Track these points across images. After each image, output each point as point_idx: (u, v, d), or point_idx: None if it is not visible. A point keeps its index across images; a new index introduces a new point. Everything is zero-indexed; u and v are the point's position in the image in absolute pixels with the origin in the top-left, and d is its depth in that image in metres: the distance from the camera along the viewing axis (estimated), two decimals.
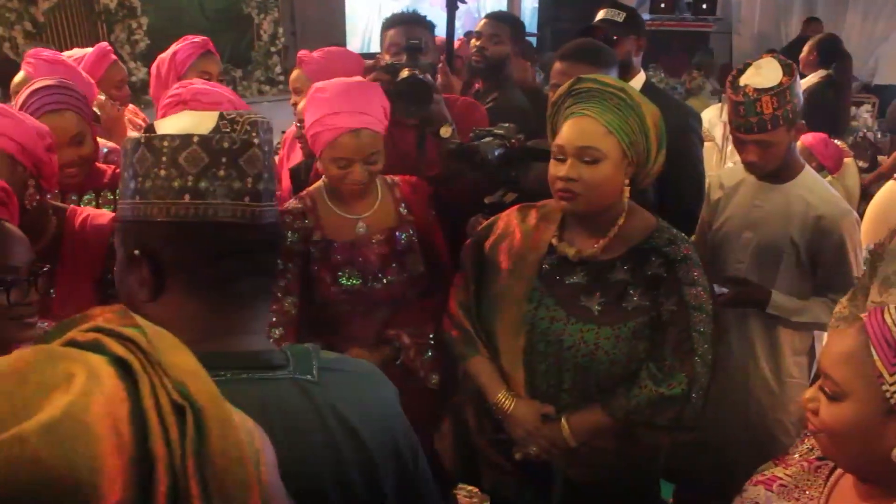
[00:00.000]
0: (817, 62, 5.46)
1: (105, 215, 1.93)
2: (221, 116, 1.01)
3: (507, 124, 2.12)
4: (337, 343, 2.03)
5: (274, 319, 1.99)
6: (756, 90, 2.07)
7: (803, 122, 2.21)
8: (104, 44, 3.16)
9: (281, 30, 8.48)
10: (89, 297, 1.81)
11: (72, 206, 1.92)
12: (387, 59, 2.51)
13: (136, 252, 1.00)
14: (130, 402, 0.56)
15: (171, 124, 1.02)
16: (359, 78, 2.06)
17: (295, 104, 2.77)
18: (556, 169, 1.78)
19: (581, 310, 1.81)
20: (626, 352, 1.78)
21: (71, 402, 0.53)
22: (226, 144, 0.98)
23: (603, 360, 1.78)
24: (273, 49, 8.37)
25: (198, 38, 2.93)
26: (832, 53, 5.53)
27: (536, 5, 11.30)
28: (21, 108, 2.04)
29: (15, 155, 1.73)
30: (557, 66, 2.38)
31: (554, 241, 1.88)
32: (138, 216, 1.00)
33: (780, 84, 2.06)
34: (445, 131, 2.13)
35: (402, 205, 2.13)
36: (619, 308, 1.78)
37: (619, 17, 2.77)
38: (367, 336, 2.09)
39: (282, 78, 8.48)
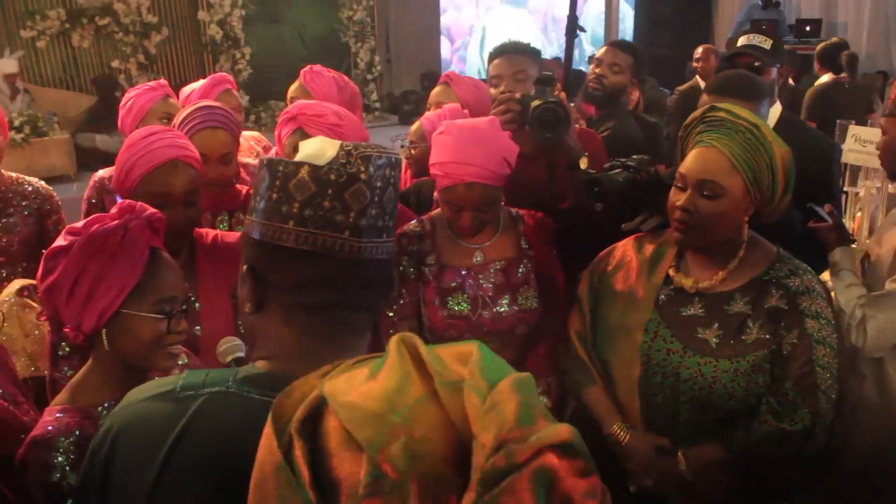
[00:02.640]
0: None
1: (232, 235, 2.00)
2: (342, 147, 1.01)
3: (640, 156, 2.09)
4: None
5: None
6: None
7: None
8: (221, 74, 3.28)
9: (377, 58, 8.66)
10: (227, 308, 1.90)
11: (197, 229, 2.00)
12: (491, 90, 2.50)
13: (245, 266, 1.03)
14: None
15: (303, 148, 1.04)
16: (490, 120, 2.02)
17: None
18: (675, 197, 1.74)
19: (698, 342, 1.75)
20: (744, 385, 1.71)
21: None
22: (333, 176, 0.98)
23: (721, 393, 1.72)
24: (369, 77, 8.55)
25: (154, 83, 2.93)
26: None
27: (632, 30, 11.22)
28: (181, 122, 2.20)
29: (199, 170, 1.92)
30: (704, 99, 2.28)
31: (671, 271, 1.84)
32: (251, 233, 1.03)
33: None
34: (584, 162, 2.09)
35: (524, 239, 2.12)
36: (737, 341, 1.72)
37: (766, 43, 2.63)
38: None
39: (378, 105, 8.65)
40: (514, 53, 2.50)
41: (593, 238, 2.15)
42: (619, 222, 2.07)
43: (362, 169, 0.99)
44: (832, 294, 2.15)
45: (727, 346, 1.72)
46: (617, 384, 1.87)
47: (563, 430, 0.63)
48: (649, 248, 1.91)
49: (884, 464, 2.14)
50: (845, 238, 2.18)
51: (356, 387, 0.68)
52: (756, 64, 2.58)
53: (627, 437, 1.83)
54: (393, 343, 0.72)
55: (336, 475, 0.66)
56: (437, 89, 3.03)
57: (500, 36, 9.79)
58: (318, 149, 1.02)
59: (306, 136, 2.01)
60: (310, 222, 0.98)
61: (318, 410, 0.70)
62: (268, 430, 0.73)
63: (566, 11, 2.94)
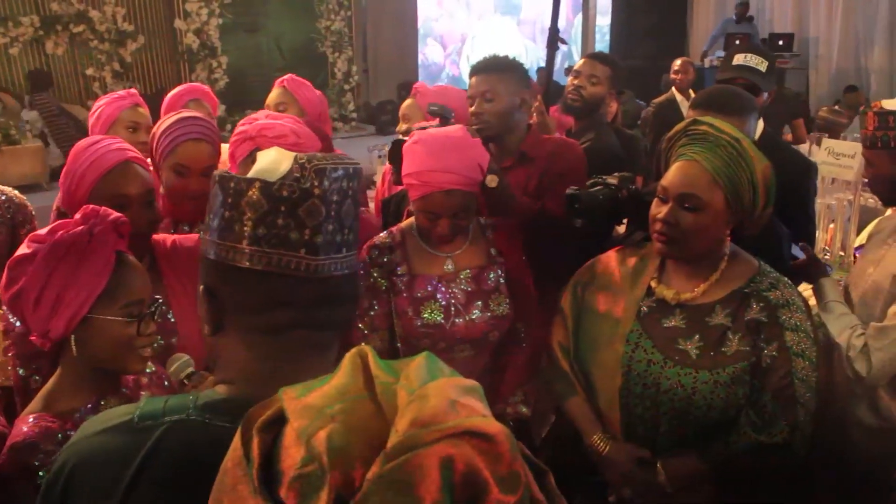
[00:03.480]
0: None
1: (190, 238, 1.96)
2: (296, 160, 0.97)
3: (622, 173, 2.08)
4: None
5: None
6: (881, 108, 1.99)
7: None
8: (196, 85, 3.26)
9: (354, 68, 8.68)
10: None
11: (154, 235, 1.94)
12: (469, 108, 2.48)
13: (202, 287, 0.99)
14: None
15: (259, 160, 1.00)
16: (460, 129, 2.02)
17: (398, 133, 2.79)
18: (656, 209, 1.74)
19: (679, 353, 1.75)
20: (724, 397, 1.71)
21: None
22: (285, 193, 0.94)
23: (700, 404, 1.71)
24: (347, 87, 8.56)
25: (123, 92, 2.89)
26: None
27: (608, 41, 11.34)
28: (162, 134, 2.11)
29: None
30: (690, 113, 2.22)
31: (653, 283, 1.84)
32: (206, 253, 0.99)
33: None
34: (492, 181, 2.07)
35: (493, 246, 2.11)
36: (717, 353, 1.72)
37: (762, 65, 2.57)
38: None
39: (355, 115, 8.66)
40: (485, 73, 2.46)
41: (559, 247, 2.16)
42: (599, 237, 2.07)
43: (316, 183, 0.95)
44: (813, 308, 2.17)
45: (707, 357, 1.72)
46: (598, 395, 1.87)
47: (487, 422, 0.62)
48: (632, 260, 1.91)
49: (879, 476, 2.15)
50: (823, 271, 2.19)
51: (310, 390, 0.70)
52: (755, 86, 2.53)
53: (607, 447, 1.82)
54: (348, 355, 0.72)
55: (282, 467, 0.66)
56: (406, 102, 3.03)
57: (488, 45, 9.85)
58: (271, 162, 0.98)
59: None
60: (263, 241, 0.94)
61: (282, 414, 0.70)
62: (236, 436, 0.73)
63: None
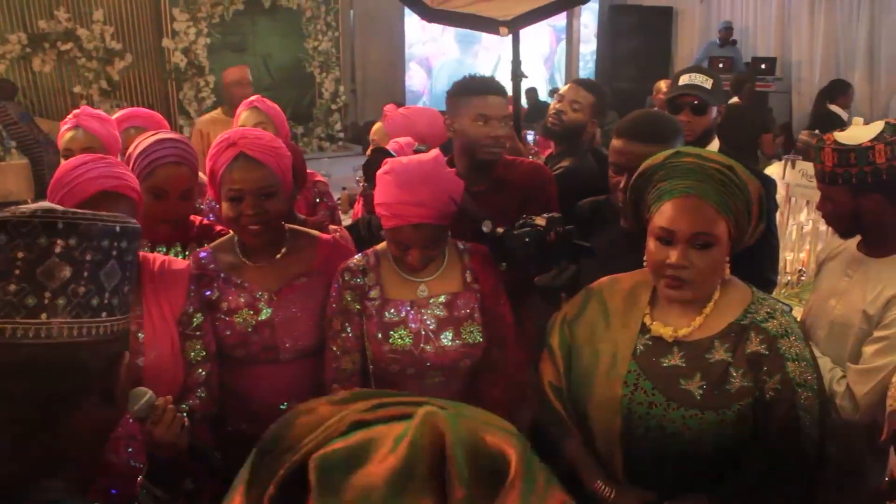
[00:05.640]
0: None
1: (180, 262, 1.97)
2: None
3: (552, 214, 2.04)
4: None
5: (333, 376, 2.02)
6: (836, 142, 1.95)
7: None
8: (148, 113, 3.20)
9: (342, 88, 8.71)
10: (173, 336, 1.87)
11: (142, 253, 1.95)
12: (480, 126, 2.44)
13: None
14: None
15: None
16: (433, 157, 2.00)
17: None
18: (661, 253, 1.65)
19: (682, 394, 1.68)
20: (731, 435, 1.66)
21: None
22: None
23: (709, 445, 1.67)
24: (334, 107, 8.59)
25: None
26: None
27: (593, 65, 11.44)
28: (140, 154, 2.11)
29: (137, 201, 1.86)
30: (616, 143, 2.13)
31: (646, 319, 1.77)
32: None
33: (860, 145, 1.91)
34: (487, 226, 2.03)
35: (469, 272, 2.09)
36: (721, 391, 1.66)
37: (707, 83, 2.62)
38: None
39: (341, 135, 8.68)
40: (504, 95, 2.45)
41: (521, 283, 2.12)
42: (529, 277, 2.03)
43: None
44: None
45: (712, 396, 1.66)
46: (596, 435, 1.80)
47: None
48: (620, 293, 1.84)
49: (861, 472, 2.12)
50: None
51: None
52: (696, 103, 2.58)
53: (613, 493, 1.75)
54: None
55: None
56: (375, 126, 3.05)
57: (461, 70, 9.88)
58: None
59: (250, 160, 1.95)
60: None
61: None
62: None
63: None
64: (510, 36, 3.48)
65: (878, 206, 1.96)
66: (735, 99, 7.26)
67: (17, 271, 0.90)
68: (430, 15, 3.67)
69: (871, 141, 1.91)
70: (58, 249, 0.92)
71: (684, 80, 2.67)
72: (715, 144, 2.62)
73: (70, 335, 0.91)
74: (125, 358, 0.98)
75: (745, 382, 1.66)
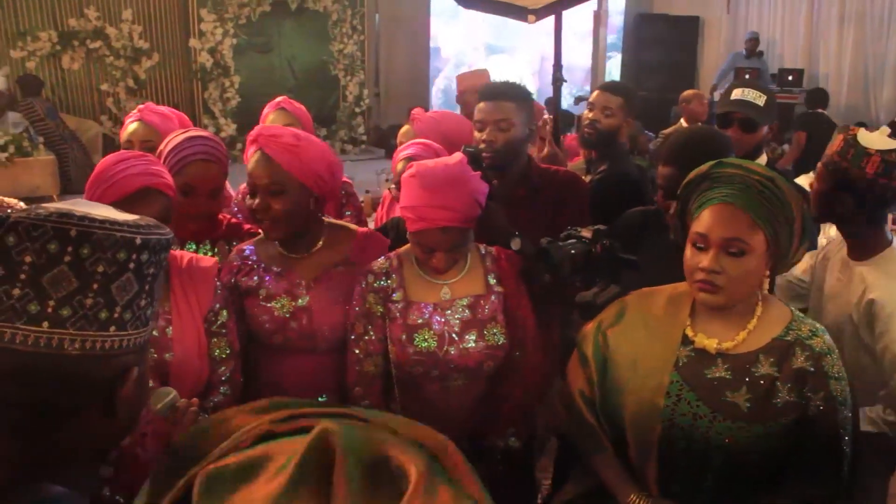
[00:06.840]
0: None
1: (208, 259, 1.98)
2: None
3: (597, 227, 2.02)
4: (410, 405, 2.02)
5: (355, 379, 2.02)
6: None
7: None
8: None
9: (366, 91, 8.74)
10: (200, 332, 1.88)
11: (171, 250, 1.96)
12: (476, 133, 2.43)
13: None
14: None
15: None
16: (459, 160, 2.00)
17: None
18: (696, 258, 1.66)
19: (728, 406, 1.67)
20: (776, 449, 1.65)
21: None
22: None
23: (754, 459, 1.66)
24: (357, 110, 8.62)
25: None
26: None
27: (617, 77, 11.40)
28: (171, 151, 2.12)
29: (173, 198, 1.87)
30: (663, 171, 2.12)
31: (688, 331, 1.76)
32: None
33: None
34: (516, 244, 2.06)
35: (493, 275, 2.08)
36: (768, 404, 1.65)
37: (760, 99, 2.55)
38: (441, 403, 2.05)
39: (364, 138, 8.71)
40: (501, 99, 2.41)
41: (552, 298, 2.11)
42: (570, 292, 2.01)
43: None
44: None
45: (759, 409, 1.65)
46: (631, 446, 1.77)
47: None
48: (660, 305, 1.82)
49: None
50: None
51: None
52: (746, 120, 2.52)
53: None
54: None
55: None
56: (403, 128, 3.04)
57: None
58: None
59: (265, 156, 1.97)
60: None
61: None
62: None
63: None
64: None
65: (846, 209, 2.03)
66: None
67: (22, 276, 0.87)
68: (464, 0, 3.80)
69: (876, 151, 1.96)
70: (67, 258, 0.88)
71: (737, 94, 2.62)
72: (762, 160, 2.58)
73: (72, 347, 0.88)
74: (134, 373, 0.94)
75: (791, 398, 1.65)
